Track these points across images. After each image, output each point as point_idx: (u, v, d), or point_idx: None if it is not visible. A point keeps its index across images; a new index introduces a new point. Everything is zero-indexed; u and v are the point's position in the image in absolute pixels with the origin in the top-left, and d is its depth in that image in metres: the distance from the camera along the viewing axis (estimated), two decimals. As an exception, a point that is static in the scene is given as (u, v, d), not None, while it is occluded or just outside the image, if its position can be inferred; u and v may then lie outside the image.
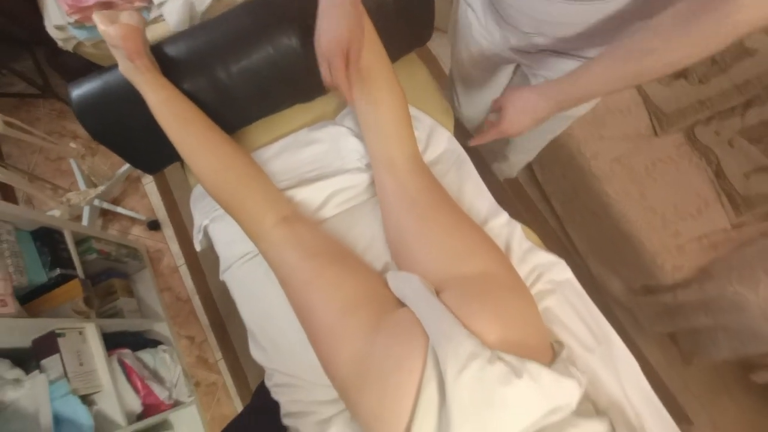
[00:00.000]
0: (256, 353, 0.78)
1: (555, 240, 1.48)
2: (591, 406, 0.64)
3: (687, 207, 1.14)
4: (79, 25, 1.20)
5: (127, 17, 0.66)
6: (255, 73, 0.78)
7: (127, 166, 1.55)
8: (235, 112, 0.82)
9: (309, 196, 0.83)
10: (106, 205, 1.50)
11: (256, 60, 0.77)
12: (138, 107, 0.68)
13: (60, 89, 1.71)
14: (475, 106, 1.02)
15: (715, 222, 1.13)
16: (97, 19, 0.64)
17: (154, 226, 1.55)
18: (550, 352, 0.64)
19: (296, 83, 0.84)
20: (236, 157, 0.72)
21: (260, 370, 0.79)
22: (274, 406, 0.77)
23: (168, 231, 1.57)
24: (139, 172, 1.62)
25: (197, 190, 0.87)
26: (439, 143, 0.89)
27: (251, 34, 0.76)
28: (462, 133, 0.98)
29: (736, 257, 1.05)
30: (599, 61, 0.55)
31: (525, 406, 0.54)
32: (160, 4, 1.23)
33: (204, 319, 1.47)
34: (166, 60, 0.72)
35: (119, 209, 1.52)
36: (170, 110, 0.67)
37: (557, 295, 0.78)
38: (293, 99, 0.90)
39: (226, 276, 0.84)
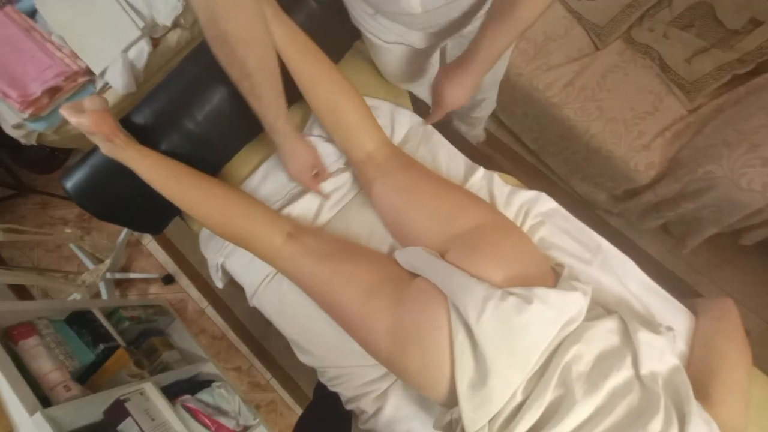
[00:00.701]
0: (303, 358, 0.86)
1: (537, 174, 1.55)
2: (601, 309, 0.73)
3: (643, 107, 1.22)
4: (34, 118, 1.24)
5: (90, 104, 0.71)
6: (219, 114, 0.83)
7: (124, 233, 1.60)
8: (213, 154, 0.87)
9: (304, 208, 0.89)
10: (118, 275, 1.56)
11: (217, 101, 0.82)
12: (129, 179, 0.73)
13: (35, 183, 1.74)
14: (424, 88, 1.07)
15: (672, 113, 1.21)
16: (66, 114, 0.69)
17: (168, 280, 1.62)
18: (552, 275, 0.72)
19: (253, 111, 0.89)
20: (229, 194, 0.78)
21: (311, 374, 0.88)
22: (334, 396, 0.86)
23: (183, 280, 1.64)
24: (137, 234, 1.68)
25: (204, 234, 0.94)
26: (403, 123, 0.95)
27: (204, 80, 0.80)
28: (422, 107, 1.03)
29: (697, 140, 1.13)
30: (484, 36, 0.68)
31: (542, 325, 0.63)
32: (103, 74, 1.26)
33: (243, 348, 1.56)
34: (138, 129, 0.77)
35: (131, 275, 1.58)
36: (159, 173, 0.73)
37: (547, 224, 0.86)
38: (257, 125, 0.95)
39: (254, 301, 0.91)
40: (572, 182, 1.45)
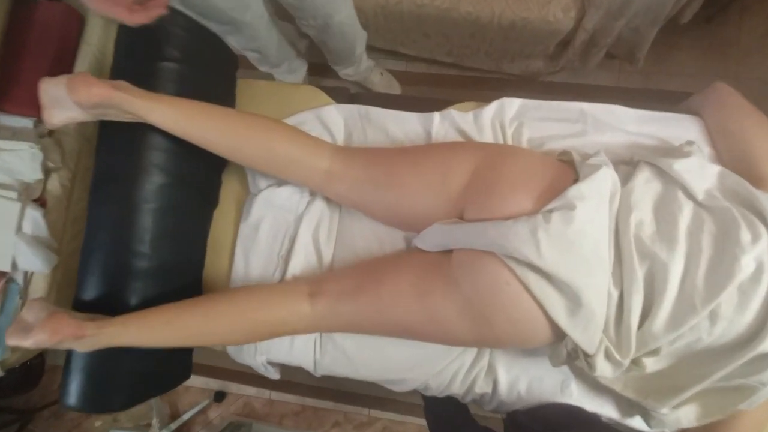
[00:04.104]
0: (400, 388, 0.82)
1: (470, 82, 1.51)
2: (624, 166, 0.70)
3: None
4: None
5: (31, 315, 0.60)
6: (162, 233, 0.73)
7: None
8: (185, 274, 0.78)
9: (303, 260, 0.82)
10: (174, 425, 1.46)
11: (152, 224, 0.72)
12: (128, 353, 0.64)
13: (32, 402, 1.59)
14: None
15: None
16: (16, 342, 0.59)
17: (219, 396, 1.53)
18: (566, 167, 0.69)
19: (192, 207, 0.80)
20: (231, 303, 0.70)
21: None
22: (448, 400, 0.83)
23: (232, 387, 1.56)
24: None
25: (230, 349, 0.85)
26: (335, 121, 0.87)
27: (125, 213, 0.70)
28: (339, 95, 0.95)
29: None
30: None
31: (594, 220, 0.60)
32: (15, 266, 1.11)
33: (327, 404, 1.52)
34: (96, 305, 0.66)
35: (185, 416, 1.48)
36: (152, 331, 0.64)
37: (524, 124, 0.82)
38: (206, 216, 0.86)
39: (320, 371, 0.85)
40: (505, 68, 1.42)
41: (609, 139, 0.78)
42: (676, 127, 0.78)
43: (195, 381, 1.57)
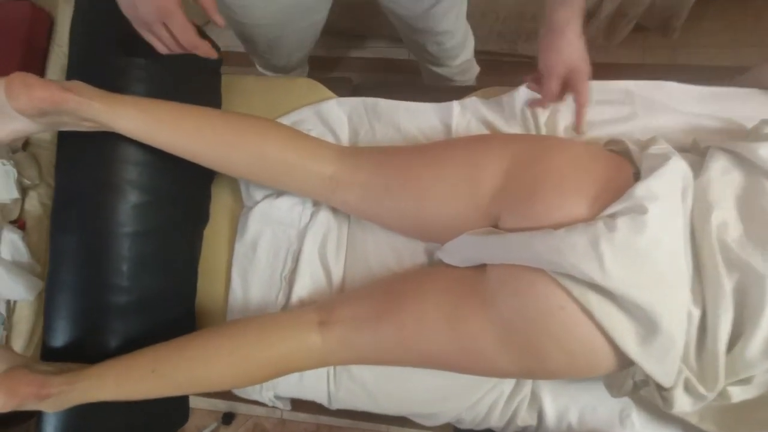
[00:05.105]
0: (433, 421, 0.72)
1: (488, 66, 1.37)
2: (689, 155, 0.58)
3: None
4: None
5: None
6: (142, 260, 0.63)
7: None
8: (173, 305, 0.67)
9: (310, 281, 0.71)
10: (180, 454, 1.37)
11: (127, 251, 0.61)
12: (110, 407, 0.53)
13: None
14: None
15: None
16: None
17: (228, 418, 1.44)
18: (621, 160, 0.57)
19: (177, 227, 0.69)
20: (226, 338, 0.59)
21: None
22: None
23: (241, 408, 1.47)
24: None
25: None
26: (339, 117, 0.76)
27: (98, 239, 0.59)
28: (340, 87, 0.83)
29: None
30: None
31: (668, 225, 0.48)
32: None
33: (343, 422, 1.43)
34: (68, 351, 0.56)
35: (192, 442, 1.39)
36: (135, 383, 0.53)
37: (560, 109, 0.69)
38: (194, 236, 0.75)
39: (334, 404, 0.75)
40: (519, 50, 1.29)
41: (664, 122, 0.66)
42: (743, 105, 0.66)
43: (201, 402, 1.48)
